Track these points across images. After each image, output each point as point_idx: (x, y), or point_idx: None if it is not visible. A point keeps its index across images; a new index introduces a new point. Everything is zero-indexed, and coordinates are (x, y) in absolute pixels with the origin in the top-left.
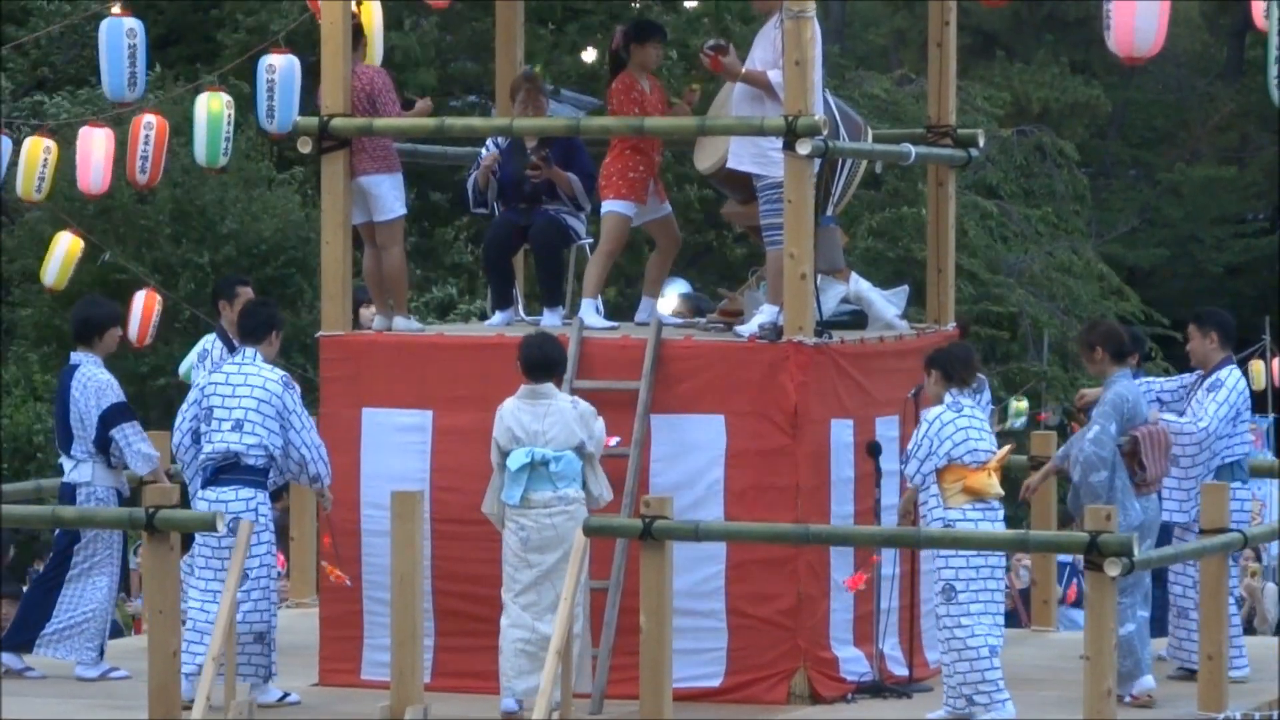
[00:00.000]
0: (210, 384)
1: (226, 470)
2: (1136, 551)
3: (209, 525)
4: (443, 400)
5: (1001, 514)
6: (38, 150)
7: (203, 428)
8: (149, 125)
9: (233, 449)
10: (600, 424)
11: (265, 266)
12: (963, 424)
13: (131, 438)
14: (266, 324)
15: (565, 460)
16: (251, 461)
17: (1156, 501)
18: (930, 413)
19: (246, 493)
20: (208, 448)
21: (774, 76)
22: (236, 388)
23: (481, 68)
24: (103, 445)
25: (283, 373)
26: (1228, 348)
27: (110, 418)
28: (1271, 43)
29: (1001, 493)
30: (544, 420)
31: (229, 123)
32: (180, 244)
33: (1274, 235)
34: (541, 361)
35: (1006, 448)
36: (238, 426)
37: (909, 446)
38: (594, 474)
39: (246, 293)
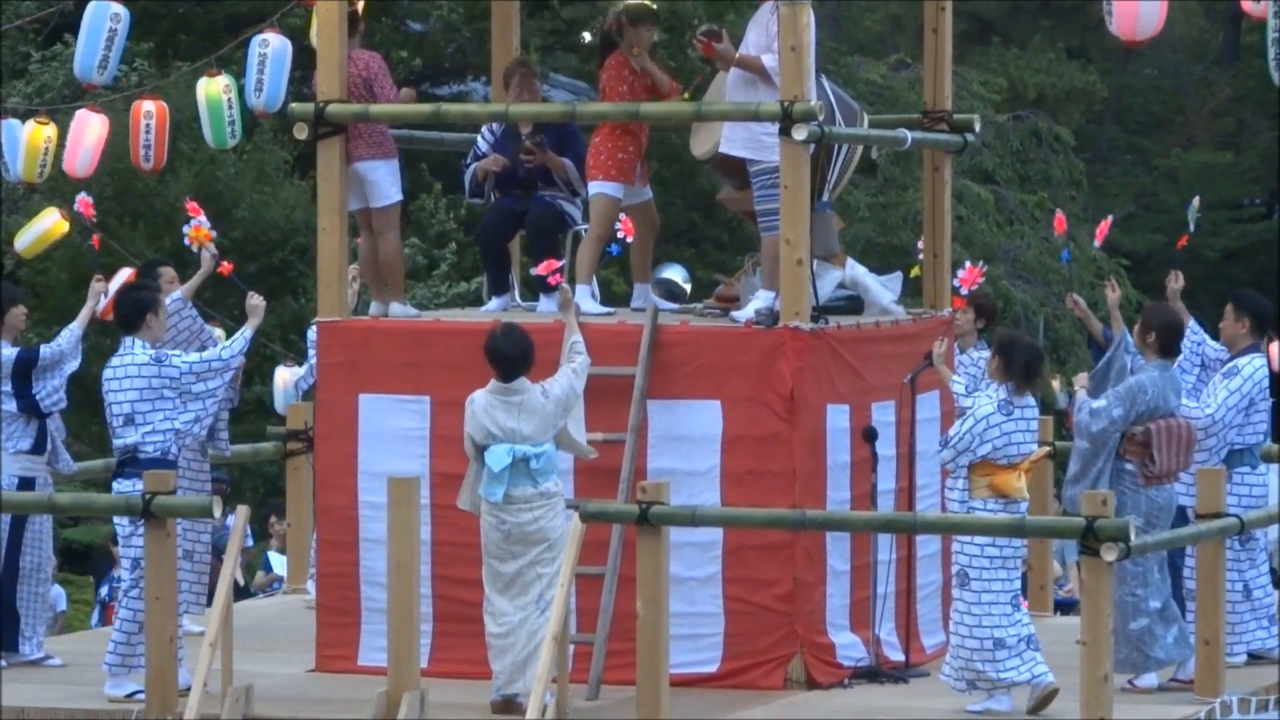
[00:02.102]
0: (104, 380)
1: (127, 464)
2: (1133, 537)
3: (206, 511)
4: (440, 386)
5: (1024, 508)
6: (39, 136)
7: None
8: (149, 114)
9: (129, 443)
10: (571, 379)
11: (273, 254)
12: (1009, 429)
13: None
14: (138, 310)
15: (545, 456)
16: (148, 452)
17: (1168, 491)
18: (981, 409)
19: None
20: (116, 441)
21: (768, 61)
22: (120, 380)
23: (476, 46)
24: (28, 405)
25: (153, 351)
26: (1257, 336)
27: (22, 360)
28: (1270, 24)
29: (1027, 497)
30: (519, 417)
31: (230, 106)
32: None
33: (1271, 220)
34: (511, 357)
35: (1041, 451)
36: (129, 421)
37: (950, 431)
38: (576, 435)
39: (168, 273)
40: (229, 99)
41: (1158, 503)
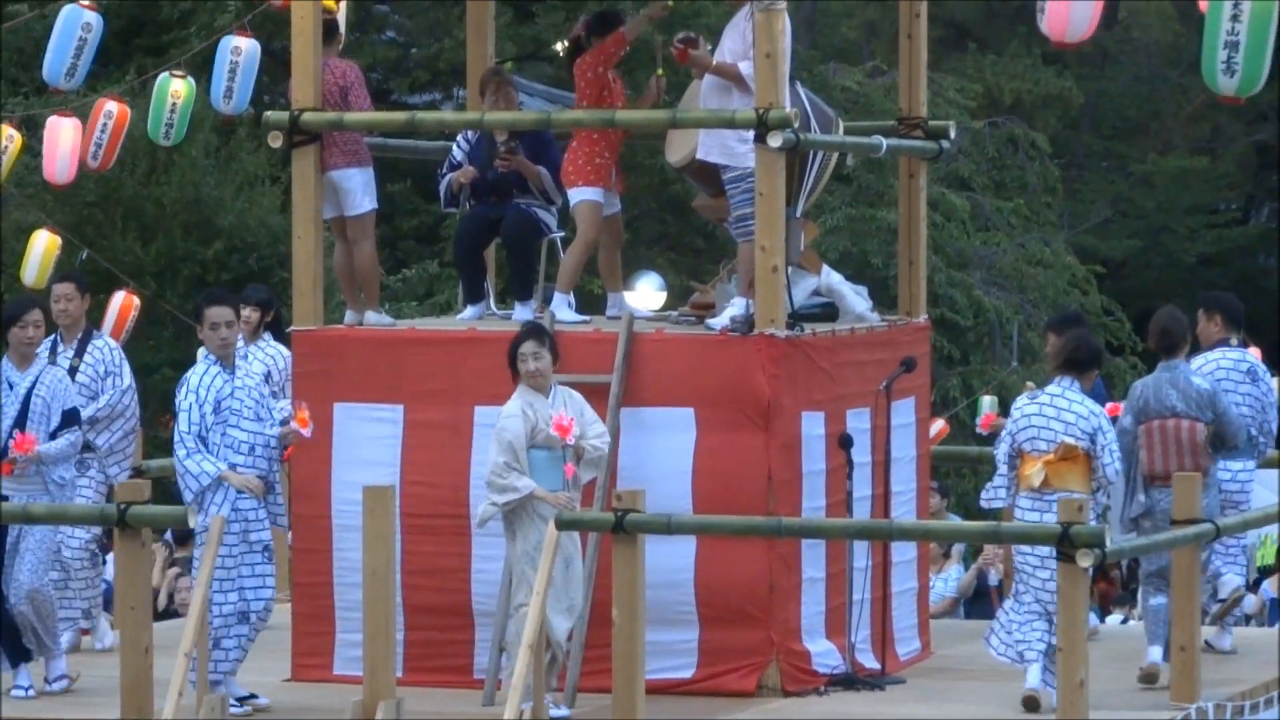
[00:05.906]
0: None
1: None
2: (1108, 543)
3: (181, 520)
4: (414, 395)
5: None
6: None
7: None
8: (109, 114)
9: None
10: (494, 457)
11: (249, 260)
12: (1030, 411)
13: None
14: (195, 317)
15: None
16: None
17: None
18: (1018, 400)
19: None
20: None
21: (744, 68)
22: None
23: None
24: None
25: (186, 375)
26: (1230, 330)
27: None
28: (1221, 22)
29: (1035, 486)
30: None
31: (173, 110)
32: (190, 234)
33: (1246, 225)
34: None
35: (1059, 449)
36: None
37: None
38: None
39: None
40: (175, 103)
41: (1161, 505)
